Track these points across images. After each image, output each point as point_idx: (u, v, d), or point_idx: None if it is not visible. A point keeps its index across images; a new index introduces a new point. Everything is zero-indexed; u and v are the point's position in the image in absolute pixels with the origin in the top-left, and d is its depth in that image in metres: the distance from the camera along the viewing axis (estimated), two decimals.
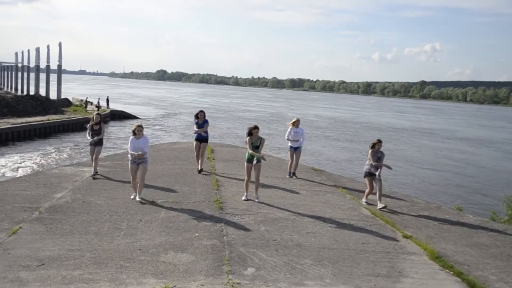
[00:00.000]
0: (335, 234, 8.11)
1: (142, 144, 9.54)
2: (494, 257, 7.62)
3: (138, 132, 9.54)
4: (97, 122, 11.54)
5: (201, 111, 13.02)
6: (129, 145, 9.71)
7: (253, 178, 10.20)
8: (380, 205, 10.20)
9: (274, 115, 74.09)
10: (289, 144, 13.16)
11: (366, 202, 10.69)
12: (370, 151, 10.51)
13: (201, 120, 12.89)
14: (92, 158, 11.57)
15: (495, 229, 9.47)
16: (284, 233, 7.98)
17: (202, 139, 12.90)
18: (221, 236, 7.58)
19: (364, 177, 10.69)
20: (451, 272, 6.74)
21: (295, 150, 13.04)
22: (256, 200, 10.05)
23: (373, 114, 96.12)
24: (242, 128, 48.83)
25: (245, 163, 10.29)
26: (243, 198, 10.14)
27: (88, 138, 11.62)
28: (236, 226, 8.15)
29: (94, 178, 11.20)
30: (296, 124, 13.04)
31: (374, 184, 10.47)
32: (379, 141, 10.58)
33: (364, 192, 11.64)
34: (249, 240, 7.45)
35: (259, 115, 71.74)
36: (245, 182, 10.33)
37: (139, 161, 9.55)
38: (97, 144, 11.53)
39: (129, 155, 9.66)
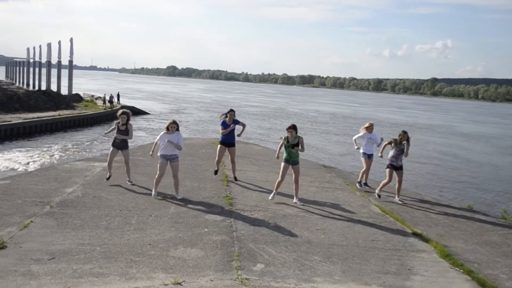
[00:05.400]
0: (344, 231, 8.10)
1: (175, 139, 9.40)
2: (504, 255, 7.57)
3: (171, 128, 9.40)
4: (123, 123, 10.32)
5: (232, 110, 11.49)
6: (158, 138, 9.52)
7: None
8: (397, 199, 10.76)
9: (274, 110, 73.98)
10: (362, 150, 11.91)
11: (378, 195, 10.91)
12: (391, 141, 10.69)
13: (230, 120, 11.42)
14: (110, 161, 10.46)
15: (506, 227, 9.41)
16: (294, 229, 7.98)
17: (229, 143, 11.50)
18: (230, 231, 7.59)
19: (386, 168, 10.73)
20: (461, 270, 6.71)
21: (369, 157, 11.89)
22: (299, 204, 9.67)
23: (372, 109, 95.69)
24: (247, 123, 48.75)
25: (282, 163, 9.75)
26: (270, 197, 9.83)
27: (112, 133, 10.52)
28: (246, 222, 8.16)
29: (130, 182, 10.50)
30: (370, 129, 11.86)
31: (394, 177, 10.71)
32: (405, 133, 10.66)
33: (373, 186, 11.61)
34: (259, 236, 7.46)
35: (258, 110, 71.62)
36: (277, 182, 9.84)
37: (170, 157, 9.49)
38: (123, 147, 10.38)
39: (159, 151, 9.51)
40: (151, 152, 9.78)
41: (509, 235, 8.77)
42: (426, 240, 7.96)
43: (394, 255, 7.13)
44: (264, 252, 6.78)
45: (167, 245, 6.83)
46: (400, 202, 10.69)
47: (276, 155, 10.00)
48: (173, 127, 9.44)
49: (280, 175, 9.79)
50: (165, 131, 9.49)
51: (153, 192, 9.59)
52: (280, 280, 5.87)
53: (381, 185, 10.99)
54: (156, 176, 9.62)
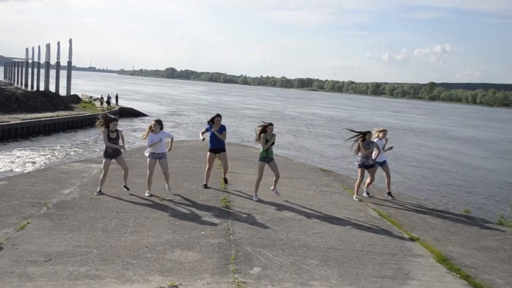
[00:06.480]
0: (341, 235, 8.09)
1: (160, 136, 9.73)
2: (501, 260, 7.57)
3: (155, 127, 9.68)
4: (113, 130, 9.60)
5: (218, 115, 10.81)
6: (147, 141, 9.79)
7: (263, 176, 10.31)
8: (365, 190, 11.31)
9: (271, 112, 74.04)
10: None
11: (357, 199, 10.96)
12: (360, 144, 10.78)
13: (217, 126, 10.73)
14: (105, 173, 9.70)
15: (503, 232, 9.40)
16: (291, 233, 7.98)
17: (218, 148, 10.86)
18: (227, 234, 7.59)
19: (358, 168, 11.04)
20: (458, 275, 6.71)
21: (382, 165, 11.28)
22: (275, 192, 10.33)
23: (368, 113, 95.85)
24: (243, 125, 48.81)
25: (259, 162, 10.15)
26: (254, 199, 10.03)
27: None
28: (243, 225, 8.16)
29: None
30: (383, 135, 11.31)
31: (366, 175, 11.11)
32: (369, 132, 10.92)
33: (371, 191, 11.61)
34: (256, 240, 7.45)
35: (255, 112, 71.69)
36: (256, 181, 10.15)
37: (158, 155, 9.76)
38: (116, 155, 9.70)
39: (147, 151, 9.84)
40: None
41: (506, 240, 8.77)
42: (423, 244, 7.96)
43: (391, 259, 7.13)
44: (261, 256, 6.78)
45: (164, 247, 6.82)
46: (365, 194, 11.29)
47: (265, 148, 9.96)
48: (156, 126, 9.69)
49: (258, 174, 10.14)
50: (150, 132, 9.77)
51: (146, 193, 9.79)
52: (277, 284, 5.86)
53: (355, 187, 11.15)
54: (147, 176, 9.86)
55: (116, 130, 9.66)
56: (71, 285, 5.39)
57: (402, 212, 10.19)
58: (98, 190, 9.64)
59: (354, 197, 11.03)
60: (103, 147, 10.01)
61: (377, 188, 11.76)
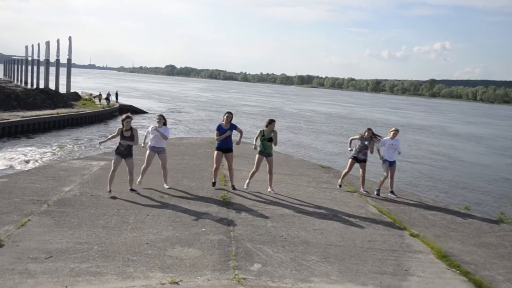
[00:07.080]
0: (342, 231, 8.11)
1: (162, 131, 10.06)
2: (501, 257, 7.59)
3: (159, 122, 10.07)
4: (127, 128, 9.40)
5: (229, 113, 10.49)
6: (148, 132, 10.22)
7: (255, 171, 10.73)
8: (362, 190, 11.51)
9: (270, 109, 73.97)
10: (384, 157, 11.42)
11: (340, 185, 11.79)
12: (357, 136, 11.53)
13: (227, 124, 10.41)
14: (114, 170, 9.48)
15: (503, 229, 9.43)
16: (291, 229, 7.99)
17: (226, 148, 10.54)
18: (228, 231, 7.60)
19: (349, 159, 11.66)
20: (458, 272, 6.73)
21: (391, 165, 11.37)
22: (272, 192, 10.48)
23: (367, 110, 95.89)
24: (242, 122, 48.73)
25: (257, 155, 10.58)
26: (245, 186, 10.65)
27: (111, 141, 10.26)
28: (243, 222, 8.17)
29: (132, 190, 9.74)
30: (394, 134, 11.30)
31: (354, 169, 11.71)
32: (369, 129, 11.39)
33: (368, 188, 11.65)
34: (256, 236, 7.47)
35: (254, 109, 71.60)
36: (252, 172, 10.71)
37: (158, 149, 10.12)
38: (127, 155, 9.55)
39: (148, 142, 10.25)
40: (142, 144, 10.54)
41: (506, 237, 8.79)
42: (423, 241, 7.98)
43: (391, 255, 7.14)
44: (261, 252, 6.79)
45: (165, 244, 6.83)
46: (364, 192, 11.36)
47: (253, 147, 10.94)
48: (160, 119, 10.09)
49: (255, 166, 10.59)
50: (153, 125, 10.25)
51: (139, 179, 10.19)
52: (277, 280, 5.88)
53: (342, 176, 11.91)
54: (143, 166, 10.25)
55: (131, 128, 9.42)
56: (72, 282, 5.40)
57: (402, 209, 10.22)
58: (108, 190, 9.38)
59: (338, 183, 11.86)
60: (104, 144, 10.11)
61: (376, 184, 11.75)
